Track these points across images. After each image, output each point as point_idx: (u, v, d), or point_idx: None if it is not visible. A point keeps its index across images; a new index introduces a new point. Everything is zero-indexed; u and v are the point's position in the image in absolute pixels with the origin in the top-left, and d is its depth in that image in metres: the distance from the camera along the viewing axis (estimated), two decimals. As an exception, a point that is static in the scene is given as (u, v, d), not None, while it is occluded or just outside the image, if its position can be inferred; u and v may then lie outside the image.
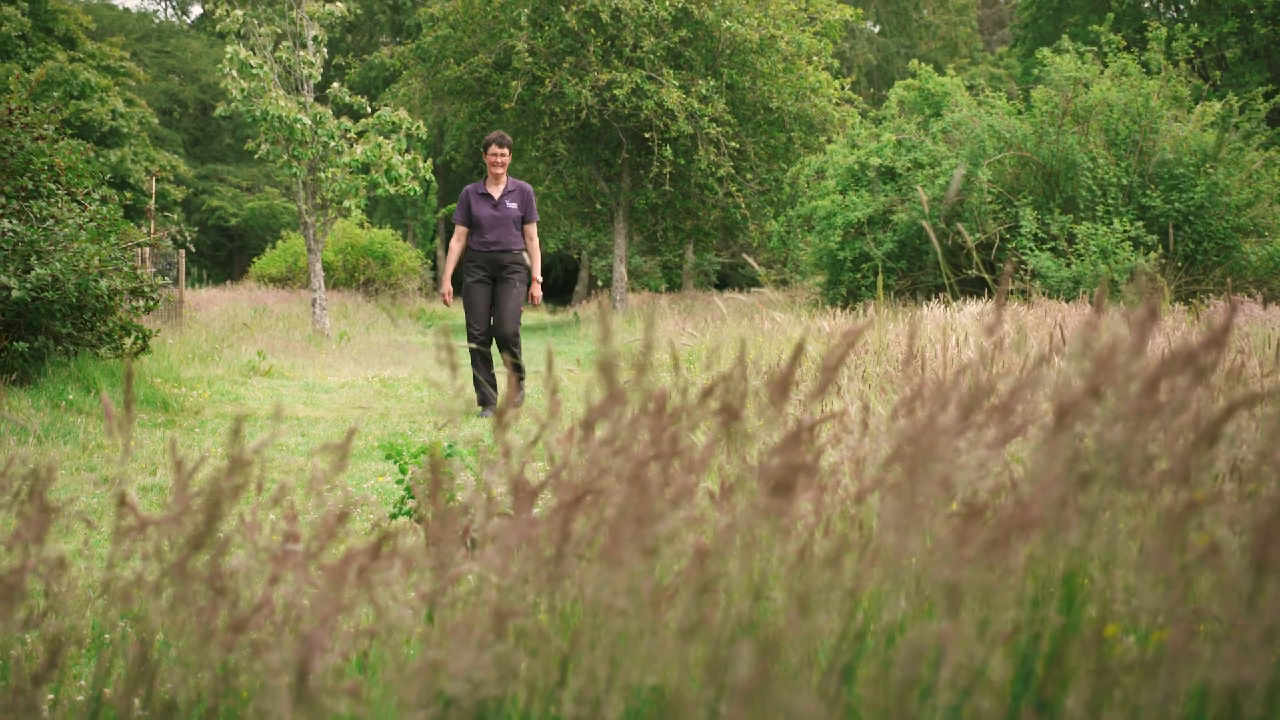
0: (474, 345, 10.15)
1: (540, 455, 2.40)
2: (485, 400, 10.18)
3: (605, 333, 2.01)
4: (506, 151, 10.25)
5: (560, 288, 51.90)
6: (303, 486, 5.71)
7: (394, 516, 4.88)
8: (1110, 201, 17.86)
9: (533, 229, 10.44)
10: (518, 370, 9.93)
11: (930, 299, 16.71)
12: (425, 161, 20.07)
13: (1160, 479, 1.88)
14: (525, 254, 10.38)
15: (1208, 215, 17.95)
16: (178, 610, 2.06)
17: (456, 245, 10.49)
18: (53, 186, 10.46)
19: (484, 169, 35.37)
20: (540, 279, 10.42)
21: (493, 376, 10.37)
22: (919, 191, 5.24)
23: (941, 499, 1.96)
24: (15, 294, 9.03)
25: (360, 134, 19.71)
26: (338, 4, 20.18)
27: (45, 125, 10.60)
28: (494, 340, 10.31)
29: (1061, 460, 1.89)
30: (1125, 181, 18.09)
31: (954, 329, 7.90)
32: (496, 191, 10.28)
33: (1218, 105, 19.21)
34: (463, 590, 2.25)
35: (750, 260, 5.79)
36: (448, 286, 10.54)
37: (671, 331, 14.25)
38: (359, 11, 50.65)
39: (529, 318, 33.36)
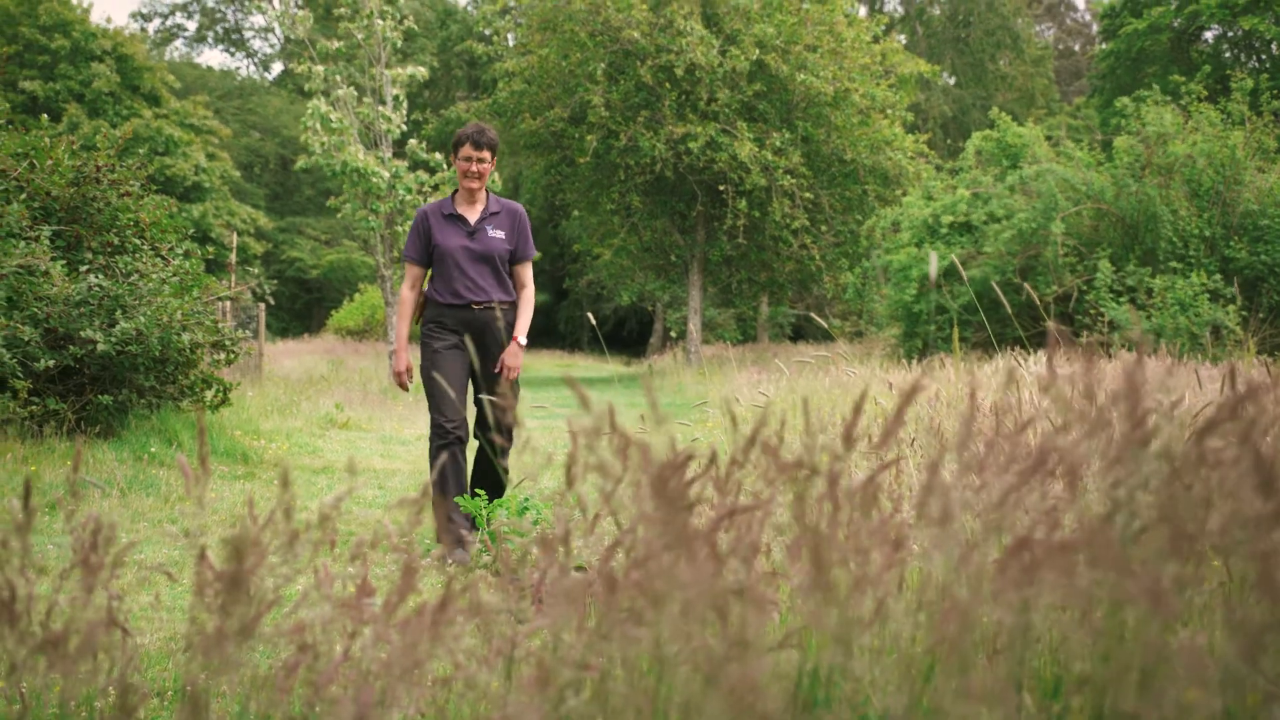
0: (445, 445, 6.56)
1: (616, 508, 2.41)
2: (459, 540, 6.06)
3: (653, 403, 2.02)
4: (487, 155, 6.69)
5: (635, 340, 52.00)
6: (380, 540, 5.76)
7: (469, 570, 4.89)
8: (1191, 254, 17.66)
9: (528, 272, 6.87)
10: (498, 486, 6.72)
11: (1008, 351, 16.59)
12: (502, 214, 20.22)
13: (1221, 533, 1.86)
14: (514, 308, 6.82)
15: (1293, 267, 17.71)
16: (258, 664, 2.09)
17: (409, 294, 6.86)
18: (138, 242, 10.66)
19: (560, 206, 34.63)
20: (524, 342, 6.71)
21: (465, 496, 6.29)
22: (956, 264, 5.24)
23: (1004, 550, 1.95)
24: (101, 347, 9.20)
25: (435, 188, 19.95)
26: (420, 69, 20.51)
27: (131, 181, 10.80)
28: (476, 433, 6.84)
29: (1115, 511, 1.87)
30: (1208, 233, 17.89)
31: (1026, 383, 7.82)
32: (473, 214, 6.76)
33: (1304, 156, 19.01)
34: (536, 644, 2.26)
35: (818, 318, 5.68)
36: (404, 361, 6.87)
37: (743, 385, 14.22)
38: (435, 66, 51.33)
39: (602, 369, 33.28)
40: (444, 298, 6.65)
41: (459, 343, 6.61)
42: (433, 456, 6.56)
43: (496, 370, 6.58)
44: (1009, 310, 3.95)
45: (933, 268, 2.60)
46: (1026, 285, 5.12)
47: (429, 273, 6.86)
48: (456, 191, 6.87)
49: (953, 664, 1.93)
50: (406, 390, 6.92)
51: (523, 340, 6.66)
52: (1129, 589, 1.83)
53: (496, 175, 20.56)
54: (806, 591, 2.00)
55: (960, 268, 5.16)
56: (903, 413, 2.20)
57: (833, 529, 2.07)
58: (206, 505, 7.78)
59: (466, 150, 6.62)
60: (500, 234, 6.71)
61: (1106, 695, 1.89)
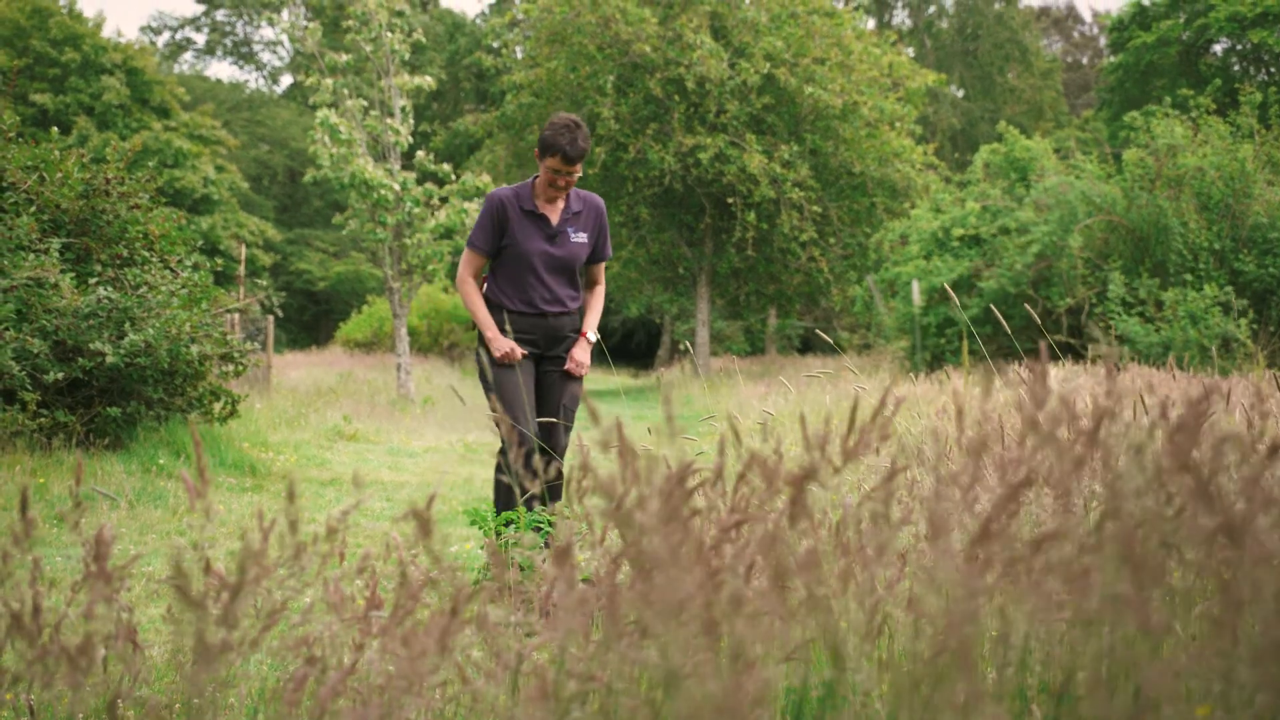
0: (521, 463, 4.51)
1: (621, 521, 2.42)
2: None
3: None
4: (579, 170, 5.87)
5: (643, 352, 51.96)
6: (389, 552, 5.76)
7: (476, 583, 4.89)
8: (1201, 266, 17.65)
9: (602, 269, 6.31)
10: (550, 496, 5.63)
11: (1017, 363, 16.56)
12: (509, 227, 20.17)
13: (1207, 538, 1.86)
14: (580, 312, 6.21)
15: (1302, 280, 17.70)
16: (266, 676, 2.10)
17: (472, 280, 6.08)
18: (147, 254, 10.67)
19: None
20: (593, 338, 6.12)
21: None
22: (950, 290, 5.23)
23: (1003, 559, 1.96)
24: (110, 359, 9.21)
25: (444, 200, 19.98)
26: (426, 78, 20.55)
27: (140, 194, 10.82)
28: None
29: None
30: (1217, 246, 17.88)
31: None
32: (554, 212, 6.00)
33: (1313, 169, 19.00)
34: (544, 657, 2.27)
35: (823, 335, 5.65)
36: (506, 340, 5.84)
37: (751, 399, 14.22)
38: (443, 78, 51.44)
39: (609, 381, 33.27)
40: (513, 304, 5.94)
41: (525, 356, 5.89)
42: (498, 476, 5.73)
43: (567, 368, 5.97)
44: (1008, 330, 3.98)
45: (915, 294, 2.62)
46: (1028, 307, 5.14)
47: (487, 266, 6.13)
48: (535, 179, 6.00)
49: (943, 674, 1.94)
50: (518, 359, 5.84)
51: (592, 336, 6.06)
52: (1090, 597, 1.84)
53: (505, 186, 20.55)
54: (806, 604, 2.01)
55: (951, 292, 5.16)
56: (875, 423, 2.21)
57: (836, 543, 2.08)
58: (214, 517, 7.79)
59: (556, 163, 5.78)
60: (583, 237, 6.03)
61: (1100, 707, 1.90)
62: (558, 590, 2.12)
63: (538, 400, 5.98)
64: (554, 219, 5.95)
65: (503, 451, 5.64)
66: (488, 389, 5.68)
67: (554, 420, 5.92)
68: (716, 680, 1.81)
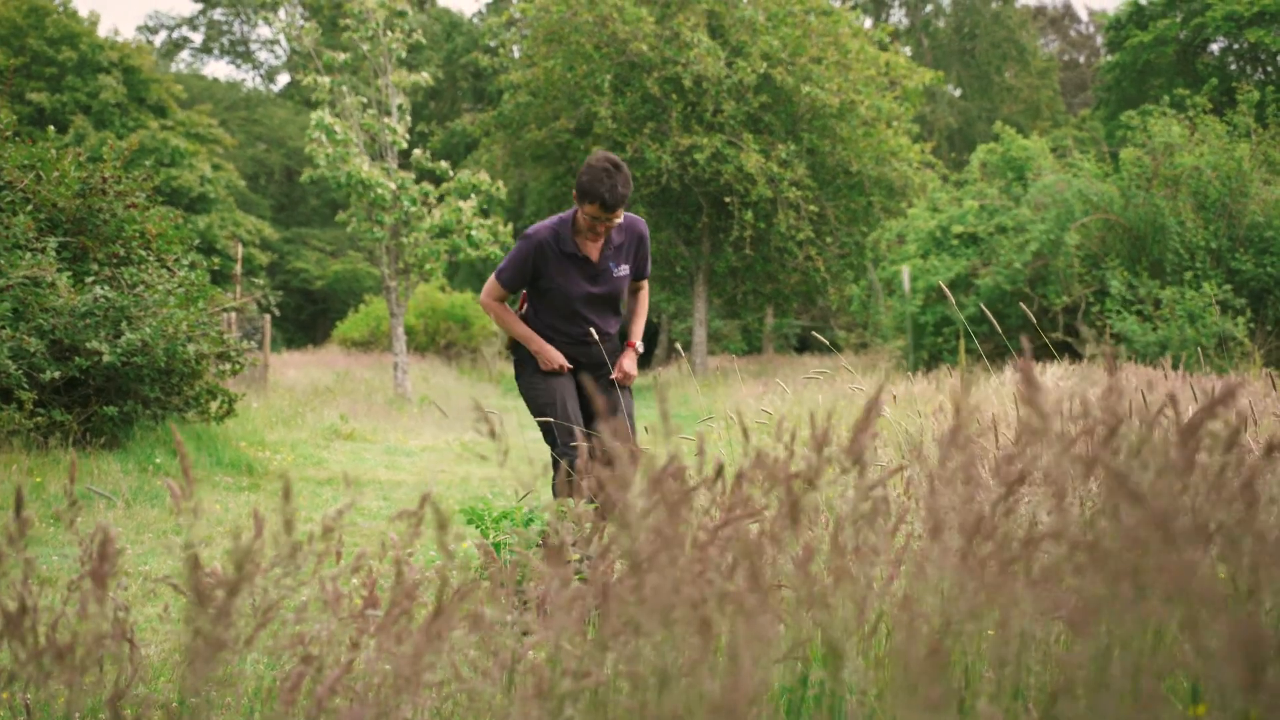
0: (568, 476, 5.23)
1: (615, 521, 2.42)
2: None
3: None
4: (620, 216, 5.68)
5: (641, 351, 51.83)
6: (386, 551, 5.73)
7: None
8: (1198, 265, 17.66)
9: (644, 283, 6.14)
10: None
11: (994, 365, 16.57)
12: (505, 225, 20.23)
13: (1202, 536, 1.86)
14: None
15: (1300, 278, 17.71)
16: (263, 675, 2.09)
17: (502, 304, 5.91)
18: (143, 253, 10.66)
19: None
20: (640, 349, 6.04)
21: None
22: (945, 289, 5.15)
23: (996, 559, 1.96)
24: (106, 359, 9.21)
25: (440, 198, 19.97)
26: (423, 74, 20.54)
27: (137, 193, 10.81)
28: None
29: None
30: (1214, 245, 17.88)
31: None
32: (595, 250, 5.77)
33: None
34: (542, 656, 2.26)
35: (819, 336, 5.63)
36: (557, 353, 5.77)
37: (749, 398, 14.22)
38: (440, 77, 51.40)
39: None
40: (561, 336, 5.83)
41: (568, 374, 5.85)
42: (556, 480, 5.49)
43: (614, 378, 5.87)
44: (999, 329, 3.99)
45: (906, 282, 2.62)
46: (1023, 306, 5.14)
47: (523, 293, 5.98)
48: (576, 212, 5.71)
49: (934, 674, 1.94)
50: (568, 368, 5.80)
51: (639, 347, 5.96)
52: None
53: (501, 184, 20.56)
54: (804, 603, 2.01)
55: (947, 291, 5.17)
56: (869, 422, 2.21)
57: (832, 542, 2.08)
58: (211, 517, 7.79)
59: (595, 210, 5.53)
60: (625, 269, 5.85)
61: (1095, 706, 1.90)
62: (552, 589, 2.12)
63: (589, 412, 5.87)
64: (595, 256, 5.76)
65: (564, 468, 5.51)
66: (537, 404, 5.72)
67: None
68: (713, 679, 1.81)
